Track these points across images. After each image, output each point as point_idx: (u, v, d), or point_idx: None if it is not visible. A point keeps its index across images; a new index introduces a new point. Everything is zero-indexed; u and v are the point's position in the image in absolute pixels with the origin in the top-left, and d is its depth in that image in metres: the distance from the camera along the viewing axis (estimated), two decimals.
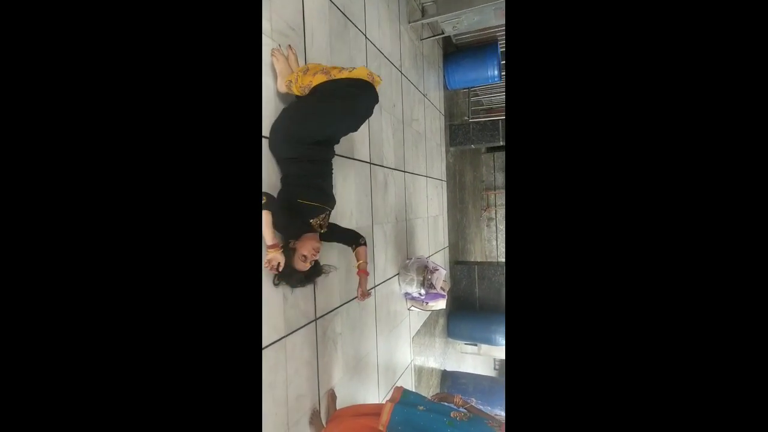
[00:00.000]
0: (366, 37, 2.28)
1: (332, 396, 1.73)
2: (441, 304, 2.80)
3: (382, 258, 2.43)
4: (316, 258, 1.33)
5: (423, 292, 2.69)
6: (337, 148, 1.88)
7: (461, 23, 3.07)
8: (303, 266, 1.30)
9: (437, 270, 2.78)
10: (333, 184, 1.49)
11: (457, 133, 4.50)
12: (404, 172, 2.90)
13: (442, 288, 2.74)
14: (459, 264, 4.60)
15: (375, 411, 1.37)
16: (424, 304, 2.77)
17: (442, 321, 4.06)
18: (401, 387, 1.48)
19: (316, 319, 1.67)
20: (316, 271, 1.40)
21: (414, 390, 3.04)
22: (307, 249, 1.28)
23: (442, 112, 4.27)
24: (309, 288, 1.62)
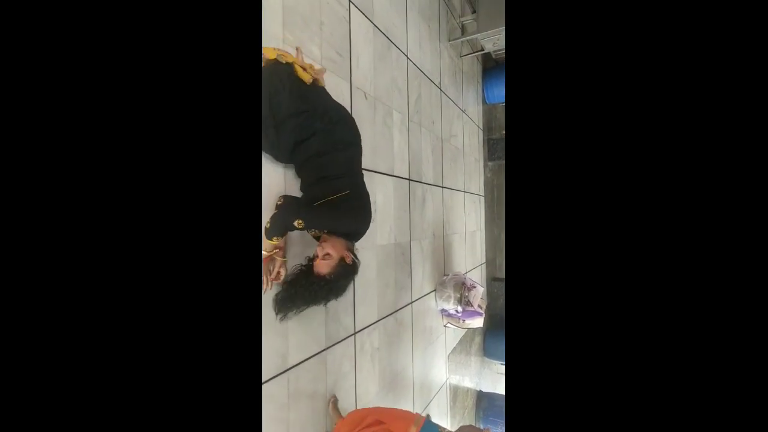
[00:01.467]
0: (407, 58, 2.35)
1: (334, 403, 1.57)
2: (478, 322, 2.74)
3: (419, 274, 2.43)
4: (322, 258, 1.18)
5: (460, 309, 2.65)
6: (377, 165, 1.93)
7: (501, 40, 3.07)
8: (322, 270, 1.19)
9: (475, 287, 2.73)
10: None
11: (496, 147, 4.44)
12: (442, 187, 2.91)
13: (479, 306, 2.69)
14: (496, 281, 4.48)
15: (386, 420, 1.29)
16: (461, 321, 2.73)
17: (478, 339, 3.96)
18: (424, 417, 1.33)
19: (355, 333, 1.70)
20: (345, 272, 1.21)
21: (449, 411, 2.97)
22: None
23: (481, 126, 4.25)
24: (349, 301, 1.66)
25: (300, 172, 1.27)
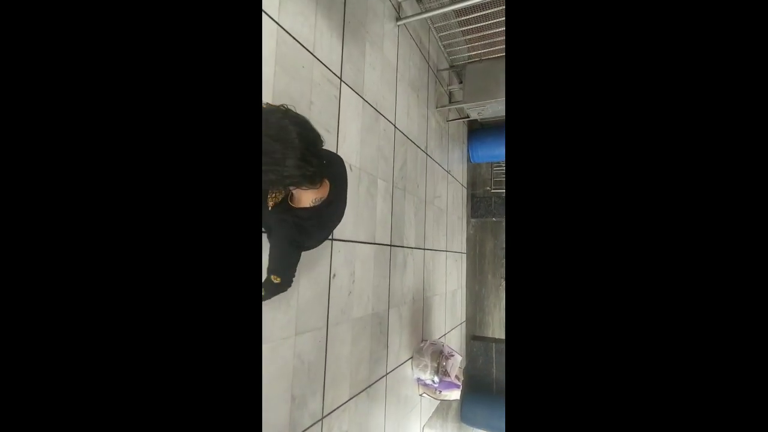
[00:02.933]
0: (395, 127, 2.43)
1: None
2: (455, 394, 2.63)
3: (396, 342, 2.35)
4: None
5: (436, 379, 2.55)
6: (358, 236, 1.92)
7: (486, 111, 3.24)
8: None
9: (453, 356, 2.65)
10: None
11: (479, 205, 4.54)
12: (424, 249, 2.91)
13: (456, 377, 2.60)
14: (476, 339, 4.40)
15: None
16: (437, 392, 2.62)
17: (455, 404, 3.79)
18: None
19: (322, 418, 1.59)
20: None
21: None
22: None
23: (465, 184, 4.36)
24: (319, 383, 1.57)
25: None
